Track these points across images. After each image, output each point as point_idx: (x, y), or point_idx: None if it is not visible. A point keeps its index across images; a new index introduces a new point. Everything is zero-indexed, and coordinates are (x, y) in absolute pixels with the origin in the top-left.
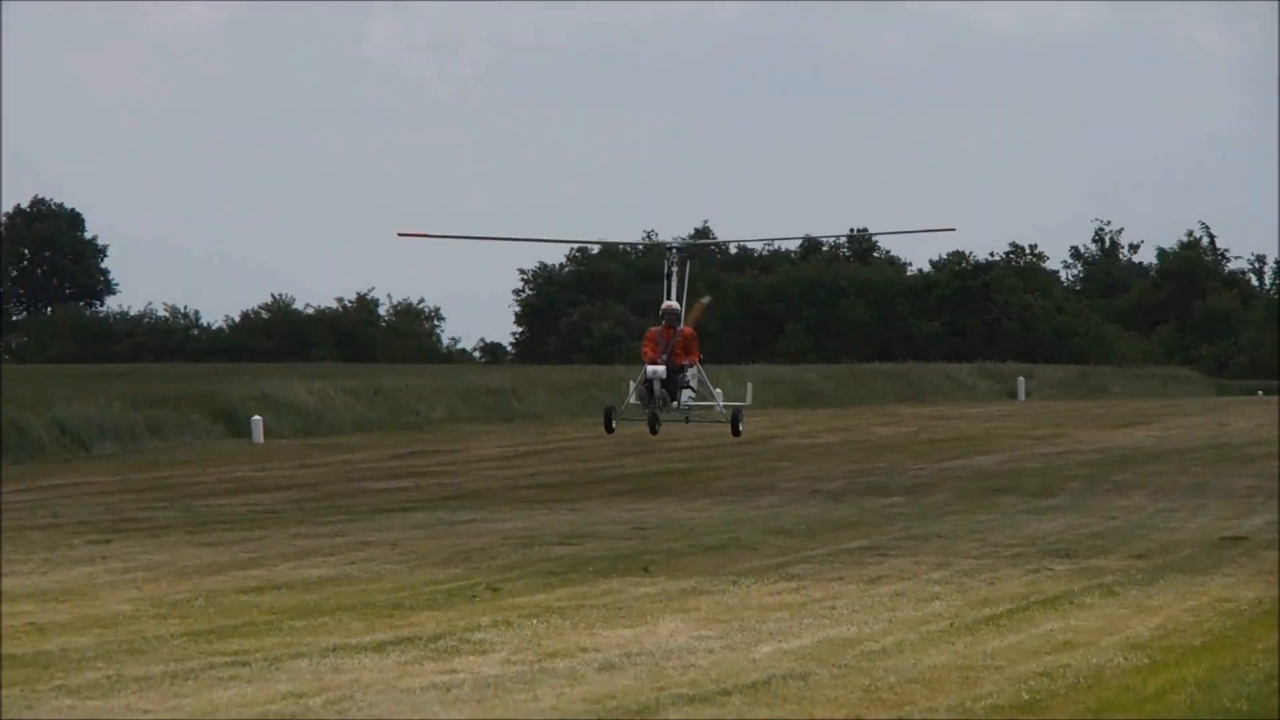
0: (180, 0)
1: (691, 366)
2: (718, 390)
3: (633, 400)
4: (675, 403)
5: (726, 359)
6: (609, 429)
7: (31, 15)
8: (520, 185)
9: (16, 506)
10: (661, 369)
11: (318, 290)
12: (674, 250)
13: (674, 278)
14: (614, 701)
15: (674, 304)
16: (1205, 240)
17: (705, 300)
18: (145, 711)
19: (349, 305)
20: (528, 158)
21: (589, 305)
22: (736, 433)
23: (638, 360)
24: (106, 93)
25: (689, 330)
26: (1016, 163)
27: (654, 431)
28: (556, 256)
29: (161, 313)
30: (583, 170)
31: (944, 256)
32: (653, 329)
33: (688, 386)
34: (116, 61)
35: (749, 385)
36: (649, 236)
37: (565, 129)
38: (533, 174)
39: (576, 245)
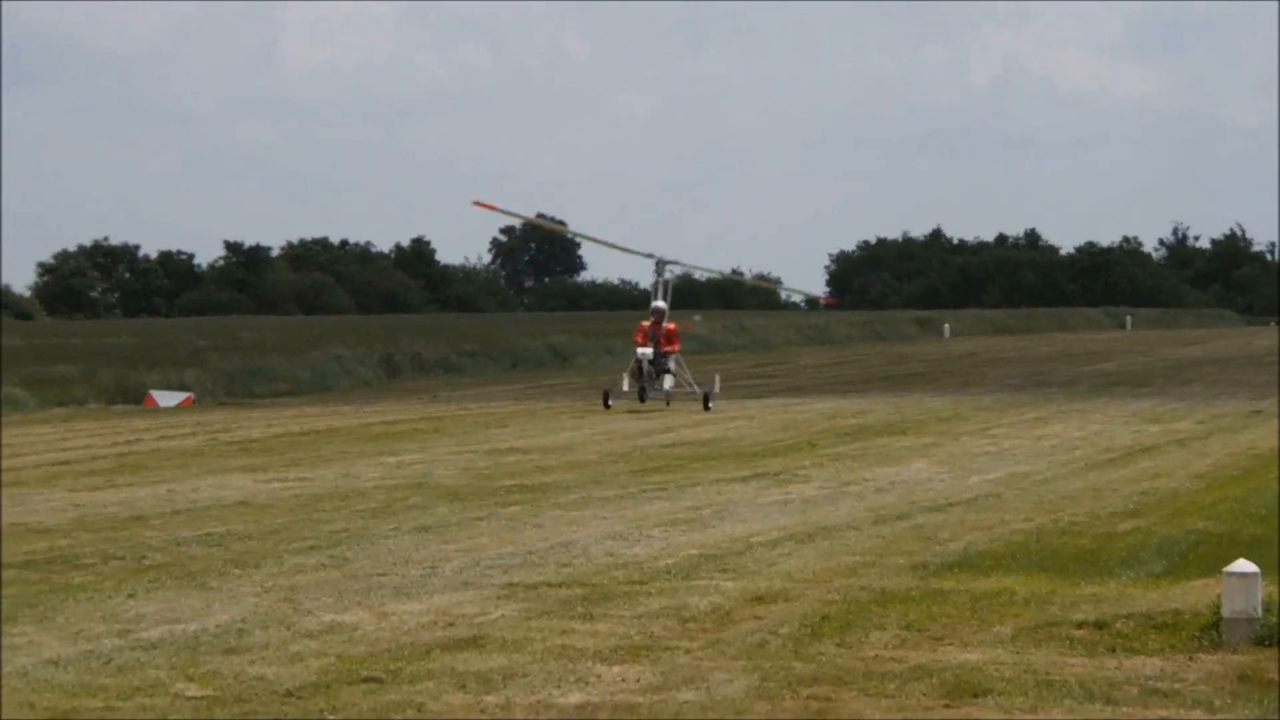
0: (620, 96)
1: (674, 354)
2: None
3: (628, 376)
4: (659, 380)
5: (950, 306)
6: (606, 405)
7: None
8: (780, 207)
9: (529, 395)
10: (650, 351)
11: (706, 263)
12: (663, 265)
13: (659, 285)
14: (884, 510)
15: (661, 304)
16: (1240, 233)
17: (696, 318)
18: (604, 518)
19: (724, 275)
20: (804, 182)
21: (869, 274)
22: (707, 408)
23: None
24: (587, 147)
25: (672, 326)
26: (1124, 186)
27: (642, 400)
28: (848, 244)
29: (615, 282)
30: (850, 186)
31: (1083, 244)
32: (643, 322)
33: (668, 371)
34: (580, 134)
35: (716, 378)
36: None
37: (849, 163)
38: (810, 195)
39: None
